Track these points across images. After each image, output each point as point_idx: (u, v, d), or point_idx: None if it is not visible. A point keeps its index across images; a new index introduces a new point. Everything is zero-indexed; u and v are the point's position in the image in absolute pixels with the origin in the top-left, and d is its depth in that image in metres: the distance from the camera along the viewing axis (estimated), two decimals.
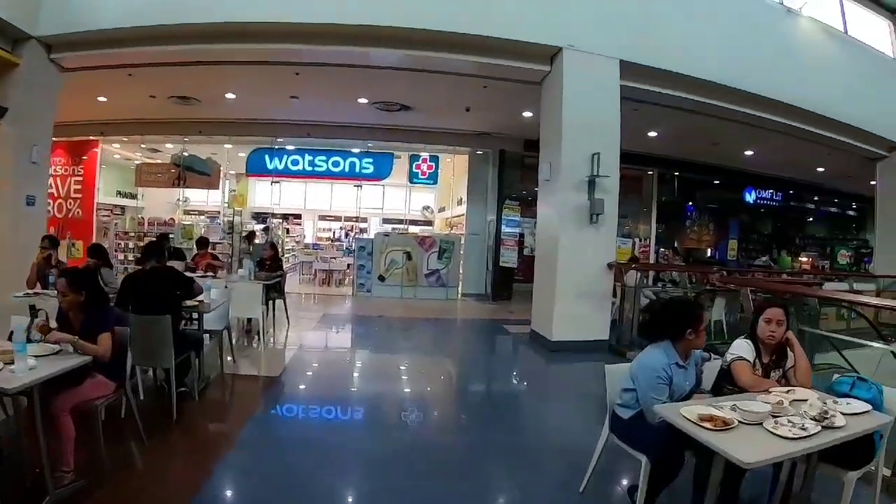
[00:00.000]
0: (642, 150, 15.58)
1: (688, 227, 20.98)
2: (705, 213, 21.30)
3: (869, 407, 3.31)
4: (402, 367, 8.33)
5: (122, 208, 19.38)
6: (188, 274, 8.70)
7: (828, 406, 3.16)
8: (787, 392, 3.47)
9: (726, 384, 3.78)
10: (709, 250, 21.32)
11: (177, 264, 7.85)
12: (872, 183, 18.13)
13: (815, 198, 22.64)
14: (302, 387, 7.00)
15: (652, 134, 14.46)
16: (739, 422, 2.93)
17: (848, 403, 3.33)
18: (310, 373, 7.74)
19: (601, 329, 9.62)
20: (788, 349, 3.86)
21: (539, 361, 9.14)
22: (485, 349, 10.67)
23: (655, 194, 18.50)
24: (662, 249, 18.40)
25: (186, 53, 9.74)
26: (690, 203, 20.87)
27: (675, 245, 19.73)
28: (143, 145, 17.65)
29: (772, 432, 2.84)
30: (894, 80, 14.43)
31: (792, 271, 17.20)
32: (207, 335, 6.58)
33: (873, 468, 3.46)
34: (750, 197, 20.40)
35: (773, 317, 3.78)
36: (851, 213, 24.16)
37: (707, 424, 2.86)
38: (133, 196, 19.19)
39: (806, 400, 3.31)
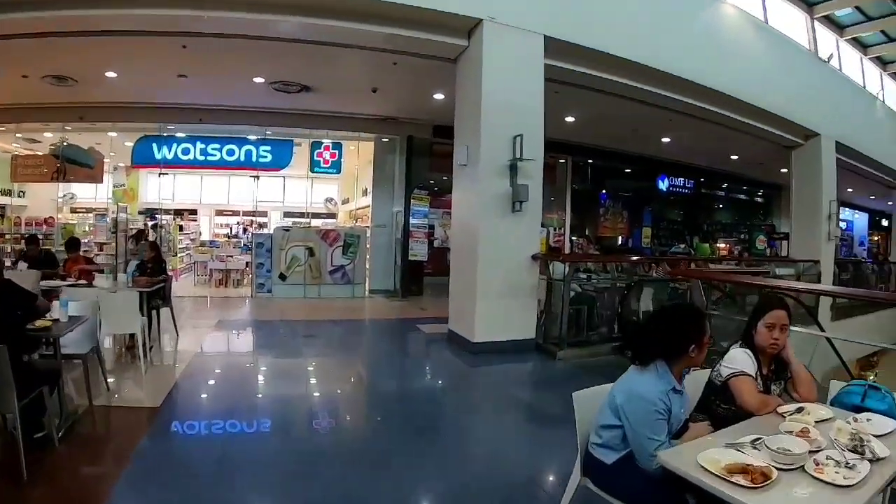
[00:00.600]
0: (558, 136, 15.10)
1: (602, 215, 20.78)
2: (619, 202, 21.20)
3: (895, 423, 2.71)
4: (306, 384, 7.31)
5: (2, 207, 17.41)
6: (58, 283, 7.50)
7: (854, 427, 2.49)
8: (800, 412, 2.84)
9: (720, 403, 3.11)
10: (620, 238, 21.25)
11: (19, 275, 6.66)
12: (783, 171, 18.60)
13: (725, 185, 23.09)
14: (191, 413, 5.79)
15: (569, 119, 13.94)
16: (776, 468, 2.17)
17: (868, 420, 2.73)
18: (200, 395, 6.55)
19: (527, 327, 8.93)
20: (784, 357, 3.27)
21: (462, 367, 8.28)
22: (400, 356, 9.65)
23: (569, 182, 18.09)
24: (577, 238, 18.01)
25: (55, 21, 8.19)
26: (604, 191, 20.68)
27: (587, 234, 19.43)
28: (18, 135, 15.63)
29: (819, 479, 2.12)
30: (810, 70, 14.86)
31: (712, 258, 17.18)
32: (79, 360, 5.40)
33: None
34: (663, 185, 20.45)
35: (777, 321, 3.18)
36: (759, 199, 24.77)
37: (741, 480, 2.06)
38: (10, 193, 17.25)
39: (828, 419, 2.71)
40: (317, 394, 6.94)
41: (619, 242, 20.96)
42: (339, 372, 8.03)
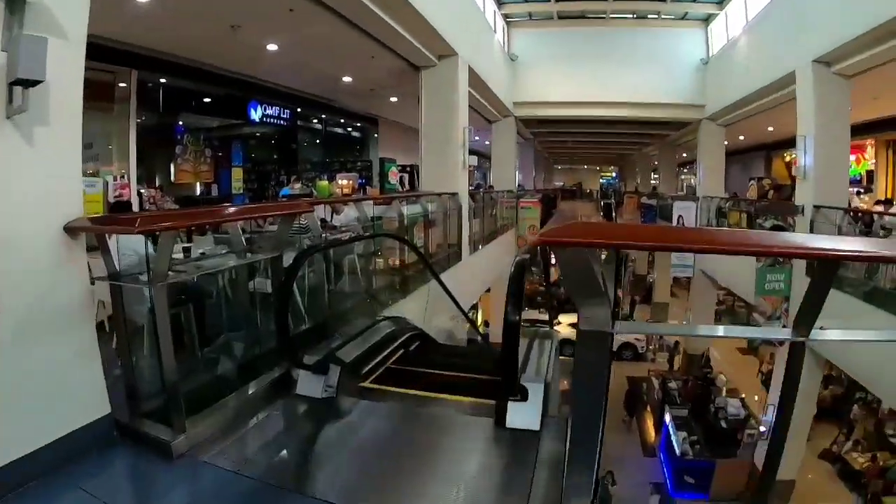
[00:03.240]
0: (117, 35, 9.46)
1: (179, 156, 14.71)
2: (201, 137, 15.40)
3: None
4: None
5: None
6: None
7: None
8: None
9: None
10: (201, 185, 15.81)
11: None
12: (393, 99, 15.78)
13: (323, 116, 19.08)
14: None
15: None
16: None
17: None
18: None
19: (88, 396, 3.53)
20: None
21: None
22: None
23: (135, 110, 11.98)
24: (146, 190, 12.08)
25: None
26: (181, 124, 14.66)
27: (157, 182, 13.76)
28: None
29: None
30: None
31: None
32: None
33: None
34: (256, 114, 15.43)
35: None
36: (356, 133, 21.33)
37: None
38: None
39: None
40: None
41: (200, 192, 15.59)
42: None
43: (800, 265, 11.31)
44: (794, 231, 11.71)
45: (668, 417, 15.28)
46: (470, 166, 14.70)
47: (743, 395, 15.90)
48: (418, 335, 6.52)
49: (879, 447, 13.96)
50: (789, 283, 11.76)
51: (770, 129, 20.33)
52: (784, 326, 11.69)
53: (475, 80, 13.72)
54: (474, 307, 15.71)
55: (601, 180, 53.62)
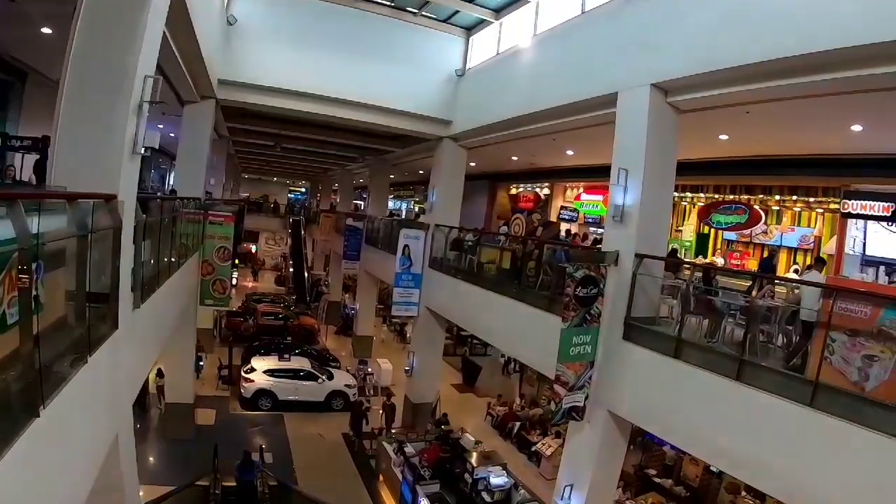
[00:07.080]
0: None
1: None
2: None
3: None
4: None
5: None
6: None
7: None
8: None
9: None
10: None
11: None
12: (46, 31, 10.20)
13: None
14: None
15: None
16: None
17: None
18: None
19: None
20: None
21: None
22: None
23: None
24: None
25: None
26: None
27: None
28: None
29: None
30: None
31: None
32: None
33: None
34: None
35: None
36: None
37: None
38: None
39: None
40: None
41: None
42: None
43: (614, 322, 8.94)
44: (604, 285, 9.05)
45: (424, 502, 11.53)
46: (145, 150, 8.27)
47: (505, 462, 12.91)
48: None
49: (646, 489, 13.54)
50: (595, 345, 9.14)
51: (514, 158, 18.12)
52: (587, 397, 9.05)
53: (180, 15, 8.16)
54: None
55: (290, 195, 50.40)
